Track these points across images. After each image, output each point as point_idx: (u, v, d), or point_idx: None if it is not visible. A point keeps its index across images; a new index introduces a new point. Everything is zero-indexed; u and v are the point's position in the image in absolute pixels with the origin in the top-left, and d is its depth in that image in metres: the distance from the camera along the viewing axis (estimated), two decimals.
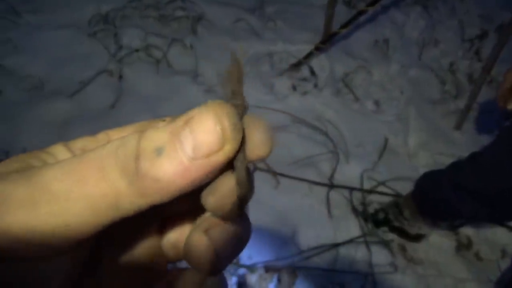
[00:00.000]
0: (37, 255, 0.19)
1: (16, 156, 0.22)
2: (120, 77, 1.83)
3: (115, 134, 0.25)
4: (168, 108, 1.72)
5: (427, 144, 1.84)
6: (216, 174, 0.20)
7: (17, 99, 1.66)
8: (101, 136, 0.25)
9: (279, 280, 1.32)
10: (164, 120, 0.24)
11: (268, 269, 1.33)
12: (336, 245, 1.43)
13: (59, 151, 0.23)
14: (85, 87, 1.75)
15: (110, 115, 1.67)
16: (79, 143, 0.24)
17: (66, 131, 1.57)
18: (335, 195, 1.58)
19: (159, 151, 0.19)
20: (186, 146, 0.18)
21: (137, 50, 1.93)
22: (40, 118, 1.60)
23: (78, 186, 0.19)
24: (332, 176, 1.63)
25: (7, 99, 1.66)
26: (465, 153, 1.40)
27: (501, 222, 1.57)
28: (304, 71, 2.00)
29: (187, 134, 0.19)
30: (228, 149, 0.19)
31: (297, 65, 1.99)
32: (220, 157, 0.19)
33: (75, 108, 1.67)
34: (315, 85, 1.96)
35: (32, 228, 0.18)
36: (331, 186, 1.59)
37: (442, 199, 1.35)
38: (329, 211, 1.53)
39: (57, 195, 0.18)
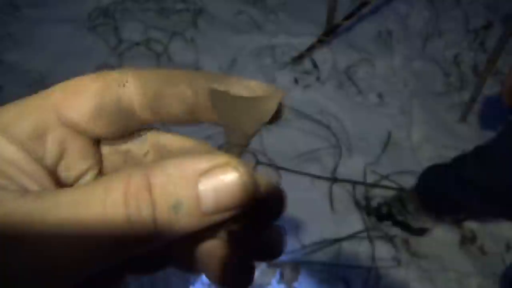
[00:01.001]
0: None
1: None
2: None
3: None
4: None
5: (431, 137, 1.82)
6: None
7: (18, 94, 1.64)
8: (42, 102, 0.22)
9: (281, 275, 1.32)
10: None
11: (270, 264, 1.33)
12: (339, 240, 1.42)
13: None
14: None
15: None
16: (20, 128, 0.21)
17: None
18: (337, 189, 1.57)
19: (177, 208, 0.18)
20: (207, 202, 0.18)
21: (137, 44, 1.91)
22: None
23: (79, 254, 0.18)
24: (334, 170, 1.62)
25: (7, 95, 1.65)
26: (469, 146, 1.38)
27: (505, 216, 1.56)
28: (307, 64, 1.98)
29: (209, 190, 0.18)
30: (245, 208, 0.19)
31: (299, 58, 1.97)
32: (237, 212, 0.19)
33: None
34: (318, 78, 1.94)
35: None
36: (334, 180, 1.58)
37: (446, 193, 1.33)
38: (331, 206, 1.52)
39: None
